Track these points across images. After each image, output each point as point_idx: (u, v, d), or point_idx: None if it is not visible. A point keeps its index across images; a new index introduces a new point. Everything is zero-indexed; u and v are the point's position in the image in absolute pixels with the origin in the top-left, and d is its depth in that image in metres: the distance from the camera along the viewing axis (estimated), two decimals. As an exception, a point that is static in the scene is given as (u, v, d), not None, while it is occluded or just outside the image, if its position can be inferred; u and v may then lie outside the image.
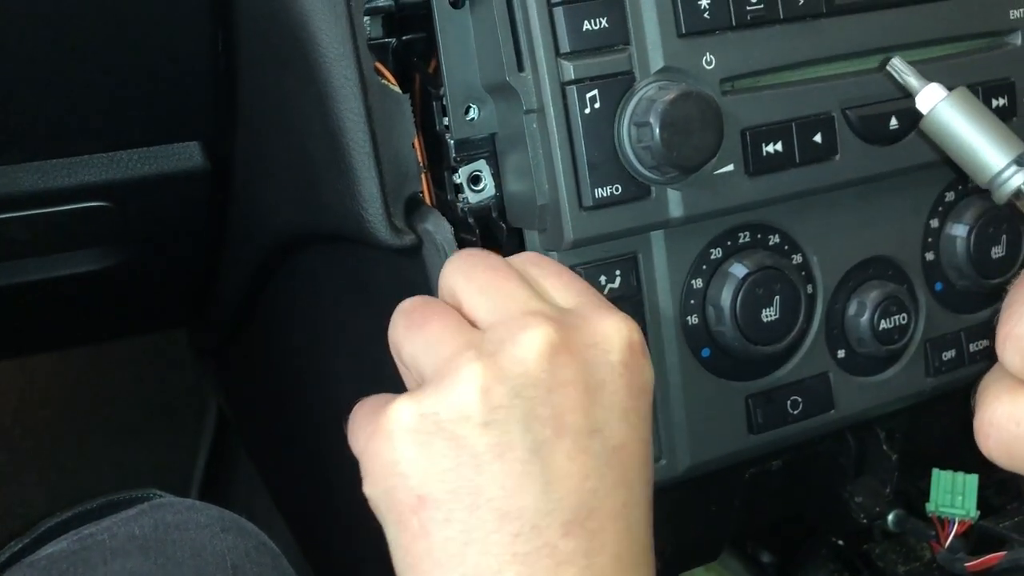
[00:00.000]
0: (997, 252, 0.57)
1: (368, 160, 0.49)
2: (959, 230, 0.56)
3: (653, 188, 0.48)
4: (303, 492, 0.90)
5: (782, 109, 0.50)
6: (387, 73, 0.51)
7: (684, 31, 0.47)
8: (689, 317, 0.51)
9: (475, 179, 0.51)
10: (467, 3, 0.48)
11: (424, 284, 0.51)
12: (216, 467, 1.23)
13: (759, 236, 0.52)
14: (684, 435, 0.51)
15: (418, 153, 0.51)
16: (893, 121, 0.52)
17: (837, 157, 0.51)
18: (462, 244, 0.50)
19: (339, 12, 0.48)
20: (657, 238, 0.50)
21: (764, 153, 0.49)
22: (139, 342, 1.21)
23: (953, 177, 0.56)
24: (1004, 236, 0.56)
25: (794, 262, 0.53)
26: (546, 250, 0.49)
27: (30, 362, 1.20)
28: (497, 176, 0.51)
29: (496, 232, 0.51)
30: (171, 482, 1.20)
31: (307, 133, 0.52)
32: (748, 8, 0.48)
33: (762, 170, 0.50)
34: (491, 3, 0.46)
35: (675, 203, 0.48)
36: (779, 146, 0.50)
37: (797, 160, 0.50)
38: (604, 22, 0.46)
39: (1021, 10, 0.55)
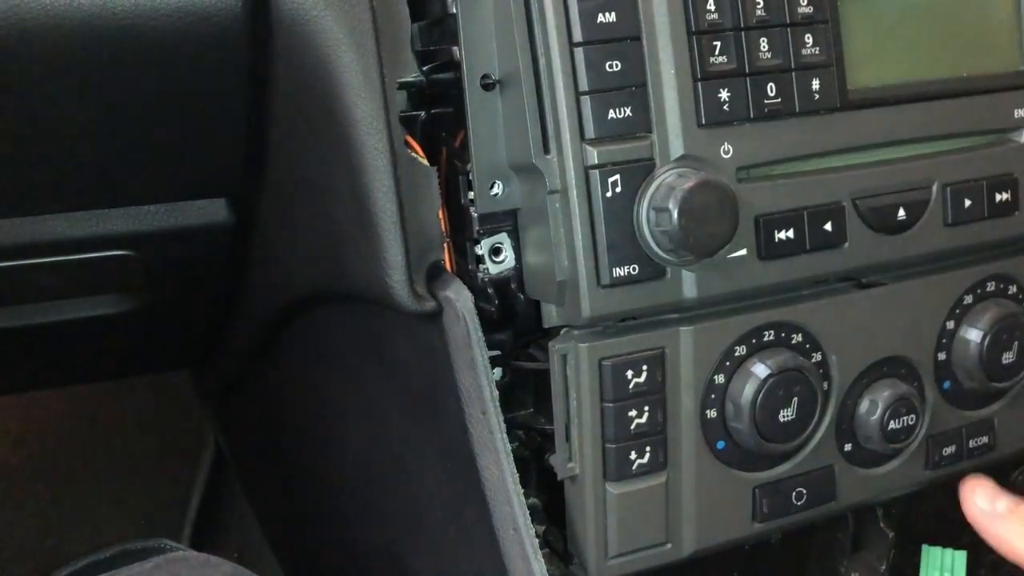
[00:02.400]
0: (1008, 358, 0.57)
1: (395, 228, 0.51)
2: (974, 334, 0.57)
3: (668, 269, 0.50)
4: (300, 537, 0.91)
5: (794, 198, 0.52)
6: (416, 146, 0.53)
7: (704, 122, 0.49)
8: (708, 411, 0.52)
9: (496, 251, 0.53)
10: (497, 86, 0.50)
11: (443, 350, 0.53)
12: (211, 505, 1.23)
13: (783, 335, 0.52)
14: (692, 522, 0.52)
15: (442, 223, 0.53)
16: (901, 212, 0.54)
17: (846, 245, 0.53)
18: (480, 312, 0.52)
19: (373, 86, 0.50)
20: (686, 335, 0.50)
21: (776, 239, 0.51)
22: (142, 379, 1.22)
23: (973, 281, 0.57)
24: (1016, 343, 0.57)
25: (814, 360, 0.53)
26: (563, 323, 0.51)
27: (31, 394, 1.21)
28: (518, 249, 0.53)
29: (514, 303, 0.53)
30: (166, 518, 1.21)
31: (335, 198, 0.54)
32: (766, 101, 0.50)
33: (774, 255, 0.51)
34: (521, 88, 0.48)
35: (689, 285, 0.50)
36: (791, 233, 0.52)
37: (808, 247, 0.52)
38: (628, 111, 0.48)
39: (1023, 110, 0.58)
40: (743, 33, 0.49)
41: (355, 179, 0.51)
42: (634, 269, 0.49)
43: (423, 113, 0.55)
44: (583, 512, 0.51)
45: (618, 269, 0.49)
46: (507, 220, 0.52)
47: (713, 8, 0.49)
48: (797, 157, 0.52)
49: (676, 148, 0.49)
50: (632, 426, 0.50)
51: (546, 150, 0.48)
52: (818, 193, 0.52)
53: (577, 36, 0.47)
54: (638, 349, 0.49)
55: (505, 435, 0.51)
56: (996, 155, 0.57)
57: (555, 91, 0.47)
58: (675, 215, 0.47)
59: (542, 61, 0.48)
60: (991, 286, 0.57)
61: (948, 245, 0.56)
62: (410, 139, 0.52)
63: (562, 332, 0.50)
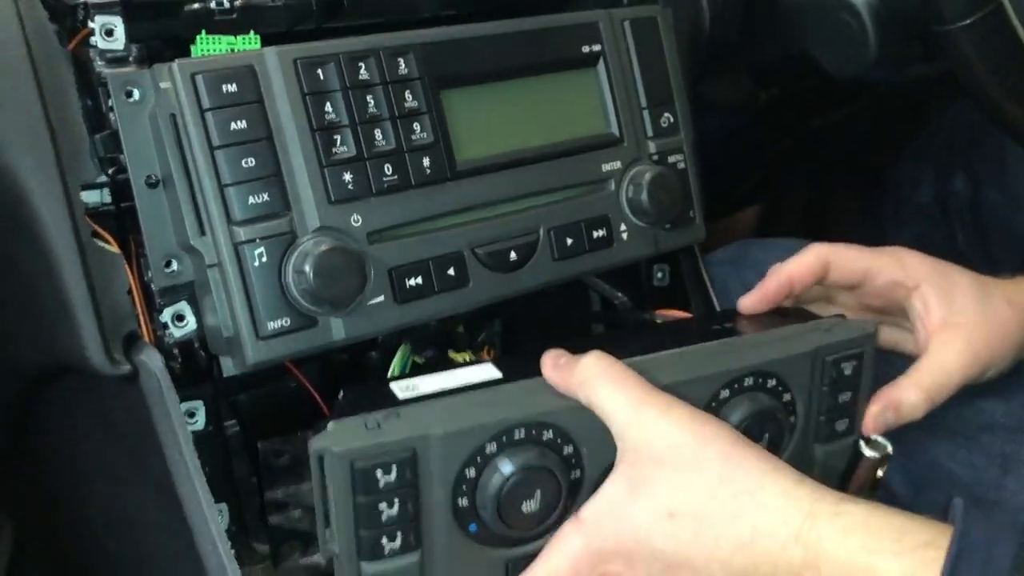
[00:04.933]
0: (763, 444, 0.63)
1: (87, 308, 0.60)
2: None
3: (319, 319, 0.61)
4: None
5: (421, 251, 0.64)
6: (105, 236, 0.63)
7: (333, 199, 0.61)
8: (460, 499, 0.56)
9: (180, 317, 0.63)
10: (160, 184, 0.61)
11: (144, 407, 0.63)
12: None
13: (533, 432, 0.57)
14: None
15: (136, 298, 0.63)
16: (513, 255, 0.68)
17: (470, 284, 0.66)
18: (170, 371, 0.62)
19: (56, 191, 0.59)
20: (436, 440, 0.54)
21: (408, 286, 0.64)
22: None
23: (731, 378, 0.62)
24: (767, 435, 0.63)
25: (565, 453, 0.58)
26: (237, 371, 0.62)
27: None
28: (198, 314, 0.63)
29: (198, 359, 0.64)
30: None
31: (35, 286, 0.63)
32: (385, 178, 0.63)
33: (408, 299, 0.64)
34: (175, 186, 0.59)
35: (338, 329, 0.62)
36: (419, 279, 0.64)
37: (436, 289, 0.65)
38: (266, 196, 0.59)
39: (611, 164, 0.73)
40: (359, 127, 0.62)
41: (50, 271, 0.61)
42: (287, 321, 0.60)
43: (115, 207, 0.65)
44: None
45: (272, 323, 0.60)
46: (186, 291, 0.63)
47: (331, 110, 0.61)
48: (419, 220, 0.64)
49: (313, 221, 0.61)
50: (383, 517, 0.54)
51: (202, 232, 0.60)
52: (441, 246, 0.65)
53: (215, 141, 0.58)
54: (388, 452, 0.53)
55: (199, 469, 0.61)
56: (591, 201, 0.72)
57: (203, 186, 0.58)
58: (310, 276, 0.59)
59: (190, 163, 0.59)
60: (749, 381, 0.62)
61: (559, 275, 0.70)
62: (98, 230, 0.62)
63: (320, 433, 0.54)
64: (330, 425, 0.54)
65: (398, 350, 0.72)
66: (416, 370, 0.73)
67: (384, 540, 0.54)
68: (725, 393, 0.62)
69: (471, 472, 0.56)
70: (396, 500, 0.54)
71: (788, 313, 0.71)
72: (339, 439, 0.53)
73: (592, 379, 0.57)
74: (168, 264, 0.62)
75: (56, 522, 0.92)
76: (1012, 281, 0.72)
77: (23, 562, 1.27)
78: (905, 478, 0.81)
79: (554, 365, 0.59)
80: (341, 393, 0.60)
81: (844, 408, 0.67)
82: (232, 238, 0.59)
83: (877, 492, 0.66)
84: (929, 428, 0.81)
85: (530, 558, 0.58)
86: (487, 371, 0.61)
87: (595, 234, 0.72)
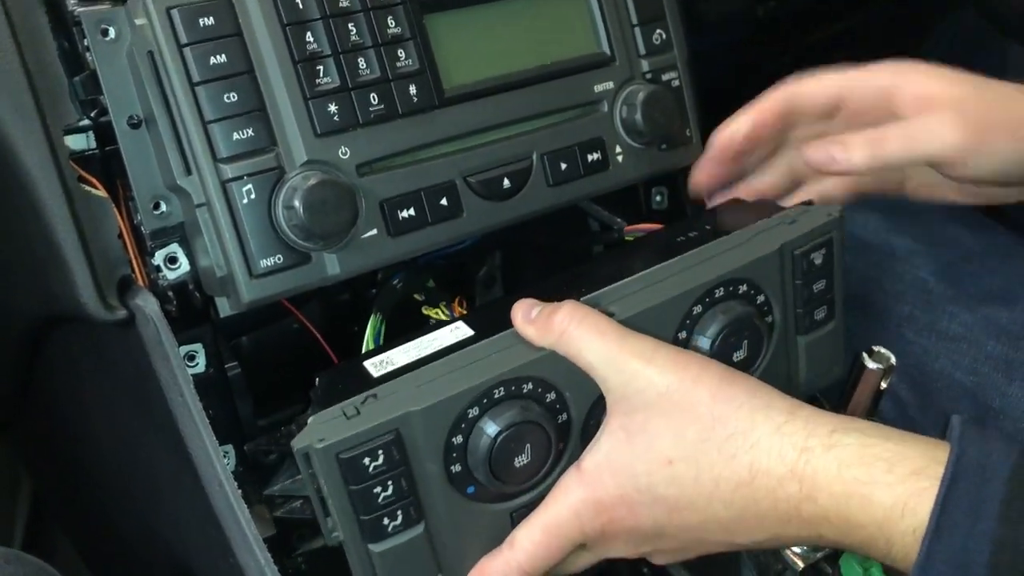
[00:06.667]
0: (739, 356, 0.63)
1: (78, 254, 0.60)
2: (703, 343, 0.62)
3: (313, 255, 0.61)
4: (93, 538, 0.98)
5: (412, 182, 0.63)
6: (92, 180, 0.62)
7: (319, 132, 0.60)
8: (453, 467, 0.56)
9: (172, 259, 0.63)
10: (143, 124, 0.60)
11: (143, 351, 0.62)
12: (33, 547, 1.27)
13: (513, 388, 0.56)
14: (459, 553, 0.58)
15: (128, 242, 0.63)
16: (506, 182, 0.67)
17: (464, 214, 0.65)
18: (167, 314, 0.62)
19: (37, 136, 0.58)
20: (415, 416, 0.54)
21: (400, 218, 0.63)
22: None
23: (701, 292, 0.61)
24: (746, 341, 0.63)
25: (548, 400, 0.57)
26: (233, 311, 0.61)
27: None
28: (191, 255, 0.63)
29: (194, 302, 0.63)
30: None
31: (27, 235, 0.62)
32: (371, 109, 0.62)
33: (401, 231, 0.63)
34: (157, 125, 0.58)
35: (332, 264, 0.61)
36: (412, 211, 0.63)
37: (430, 220, 0.64)
38: (251, 131, 0.58)
39: (604, 84, 0.71)
40: (342, 56, 0.61)
41: (39, 217, 0.60)
42: (279, 259, 0.59)
43: (99, 151, 0.64)
44: (356, 569, 0.56)
45: (265, 261, 0.59)
46: (177, 232, 0.62)
47: (312, 40, 0.60)
48: (408, 150, 0.63)
49: (300, 156, 0.60)
50: (380, 499, 0.54)
51: (188, 172, 0.59)
52: (432, 176, 0.64)
53: (196, 77, 0.57)
54: (372, 438, 0.53)
55: (202, 411, 0.61)
56: (585, 124, 0.70)
57: (186, 124, 0.57)
58: (300, 211, 0.58)
59: (171, 101, 0.57)
60: (720, 292, 0.62)
61: (554, 202, 0.69)
62: (84, 175, 0.61)
63: (302, 431, 0.53)
64: (310, 420, 0.54)
65: (369, 321, 0.71)
66: (390, 337, 0.71)
67: (386, 520, 0.54)
68: (698, 309, 0.61)
69: (458, 439, 0.55)
70: (389, 481, 0.54)
71: (752, 207, 0.70)
72: (321, 433, 0.53)
73: (568, 333, 0.56)
74: (157, 206, 0.61)
75: (69, 472, 0.93)
76: None
77: (42, 513, 1.30)
78: (911, 386, 0.81)
79: (526, 319, 0.58)
80: (316, 379, 0.59)
81: (820, 296, 0.66)
82: (219, 176, 0.58)
83: (880, 406, 0.66)
84: (935, 336, 0.80)
85: (534, 505, 0.58)
86: (459, 330, 0.61)
87: (590, 157, 0.70)
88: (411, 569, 0.57)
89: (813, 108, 0.70)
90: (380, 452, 0.53)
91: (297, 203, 0.58)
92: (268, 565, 0.59)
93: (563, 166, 0.69)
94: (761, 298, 0.64)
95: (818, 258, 0.65)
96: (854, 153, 0.65)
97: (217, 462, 0.61)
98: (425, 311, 0.75)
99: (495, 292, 0.88)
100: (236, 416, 0.71)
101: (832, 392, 0.70)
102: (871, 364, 0.65)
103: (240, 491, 0.60)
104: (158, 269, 0.62)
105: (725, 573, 0.69)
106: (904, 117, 0.66)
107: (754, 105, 0.70)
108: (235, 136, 0.58)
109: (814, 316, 0.67)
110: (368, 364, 0.59)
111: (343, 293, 0.80)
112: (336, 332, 0.76)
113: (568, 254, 0.88)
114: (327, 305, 0.79)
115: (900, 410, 0.81)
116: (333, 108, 0.60)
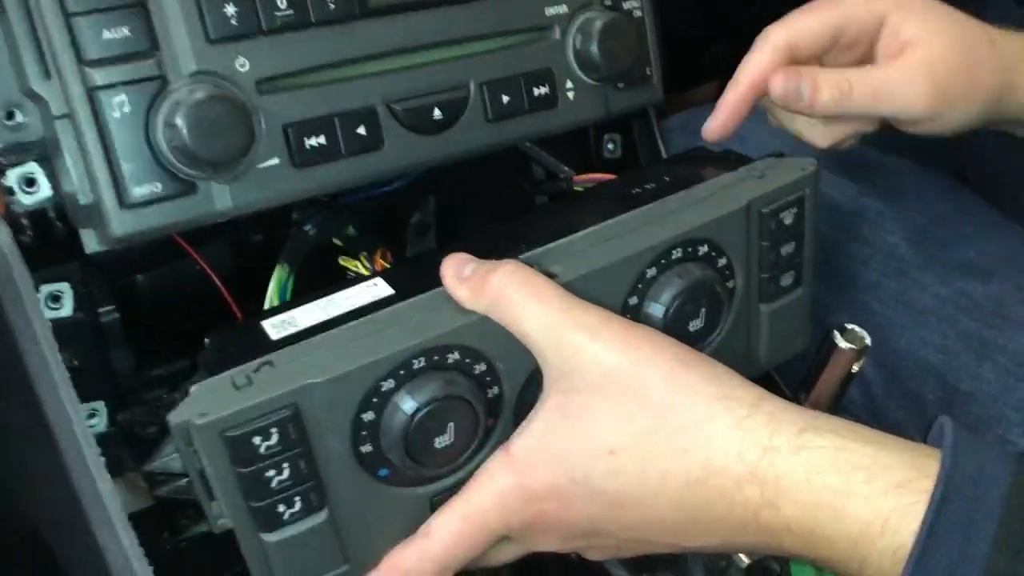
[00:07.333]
0: (695, 325, 0.56)
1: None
2: (656, 309, 0.54)
3: (199, 184, 0.51)
4: None
5: (324, 105, 0.54)
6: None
7: (213, 37, 0.50)
8: (362, 447, 0.48)
9: (30, 182, 0.52)
10: (-7, 13, 0.49)
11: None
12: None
13: (436, 358, 0.48)
14: (368, 541, 0.50)
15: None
16: (437, 112, 0.58)
17: (384, 147, 0.56)
18: (22, 246, 0.51)
19: None
20: (318, 388, 0.45)
21: (307, 146, 0.53)
22: None
23: (656, 253, 0.54)
24: (703, 309, 0.56)
25: (477, 372, 0.49)
26: (101, 247, 0.51)
27: None
28: (54, 178, 0.53)
29: (58, 233, 0.53)
30: None
31: None
32: (277, 14, 0.52)
33: (308, 163, 0.54)
34: (7, 15, 0.48)
35: (222, 197, 0.52)
36: (322, 139, 0.54)
37: (343, 151, 0.55)
38: (126, 31, 0.48)
39: (556, 7, 0.62)
40: (244, -55, 0.51)
41: None
42: (158, 187, 0.50)
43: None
44: (248, 557, 0.48)
45: (139, 188, 0.49)
46: (37, 148, 0.52)
47: (208, -78, 0.50)
48: (320, 66, 0.54)
49: (188, 65, 0.50)
50: (273, 484, 0.46)
51: (47, 75, 0.48)
52: (348, 99, 0.55)
53: (57, -45, 0.47)
54: (264, 413, 0.44)
55: (61, 363, 0.51)
56: (532, 51, 0.62)
57: (43, 13, 0.47)
58: (184, 130, 0.48)
59: (27, -16, 0.47)
60: (677, 253, 0.55)
61: (493, 140, 0.60)
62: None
63: (182, 402, 0.45)
64: (192, 389, 0.45)
65: (274, 272, 0.61)
66: (300, 292, 0.62)
67: (281, 507, 0.46)
68: (652, 272, 0.54)
69: (369, 416, 0.47)
70: (285, 464, 0.45)
71: (717, 159, 0.63)
72: (203, 406, 0.44)
73: (505, 298, 0.48)
74: (11, 115, 0.51)
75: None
76: (1002, 29, 0.65)
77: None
78: (874, 363, 0.74)
79: (458, 276, 0.49)
80: (206, 341, 0.50)
81: (788, 261, 0.59)
82: (85, 82, 0.48)
83: (849, 388, 0.59)
84: (903, 308, 0.74)
85: (458, 488, 0.50)
86: (377, 288, 0.52)
87: (536, 91, 0.62)
88: (312, 561, 0.49)
89: (812, 50, 0.64)
90: (274, 430, 0.44)
91: (180, 121, 0.48)
92: (132, 548, 0.50)
93: (505, 99, 0.60)
94: (723, 261, 0.56)
95: (788, 218, 0.57)
96: (822, 93, 0.62)
97: (77, 424, 0.51)
98: (342, 262, 0.65)
99: (428, 242, 0.78)
100: (111, 368, 0.61)
101: (793, 371, 0.62)
102: (842, 344, 0.57)
103: (104, 458, 0.51)
104: (11, 192, 0.52)
105: (666, 567, 0.62)
106: (879, 59, 0.64)
107: (748, 66, 0.63)
108: (106, 34, 0.48)
109: (780, 282, 0.59)
110: (267, 324, 0.50)
111: (256, 234, 0.71)
112: (248, 281, 0.66)
113: (509, 203, 0.79)
114: (236, 247, 0.69)
115: (863, 388, 0.74)
116: (231, 9, 0.51)
